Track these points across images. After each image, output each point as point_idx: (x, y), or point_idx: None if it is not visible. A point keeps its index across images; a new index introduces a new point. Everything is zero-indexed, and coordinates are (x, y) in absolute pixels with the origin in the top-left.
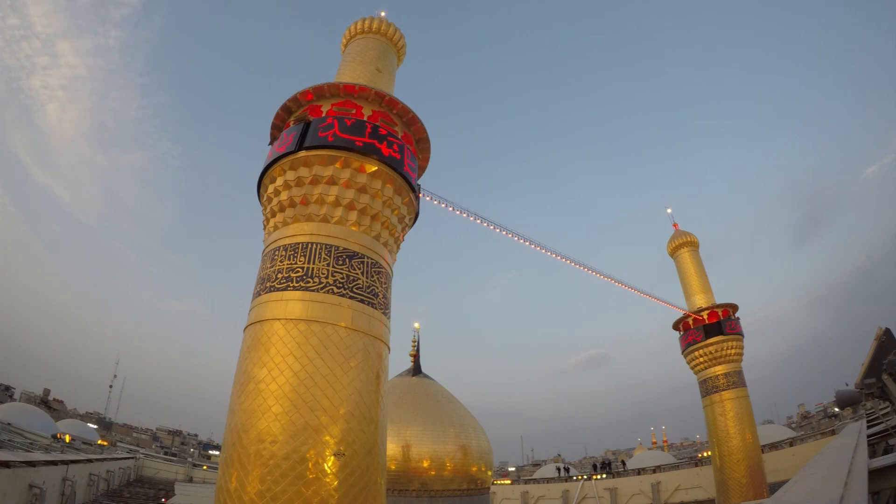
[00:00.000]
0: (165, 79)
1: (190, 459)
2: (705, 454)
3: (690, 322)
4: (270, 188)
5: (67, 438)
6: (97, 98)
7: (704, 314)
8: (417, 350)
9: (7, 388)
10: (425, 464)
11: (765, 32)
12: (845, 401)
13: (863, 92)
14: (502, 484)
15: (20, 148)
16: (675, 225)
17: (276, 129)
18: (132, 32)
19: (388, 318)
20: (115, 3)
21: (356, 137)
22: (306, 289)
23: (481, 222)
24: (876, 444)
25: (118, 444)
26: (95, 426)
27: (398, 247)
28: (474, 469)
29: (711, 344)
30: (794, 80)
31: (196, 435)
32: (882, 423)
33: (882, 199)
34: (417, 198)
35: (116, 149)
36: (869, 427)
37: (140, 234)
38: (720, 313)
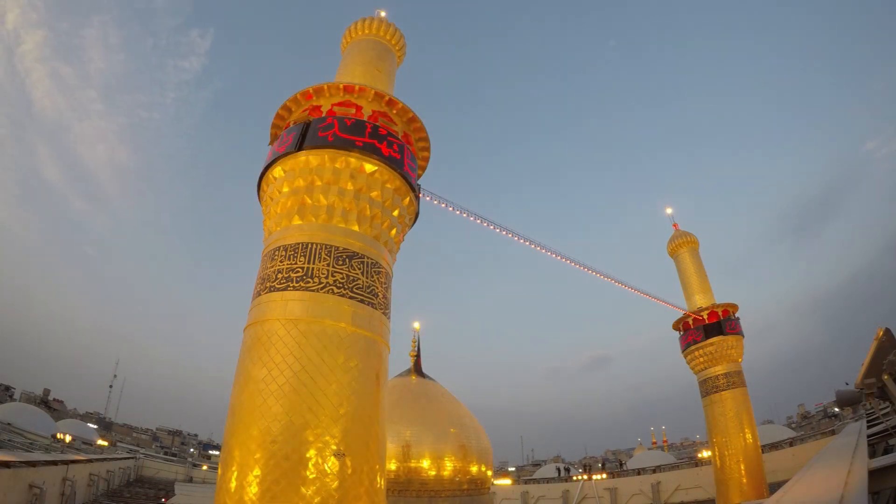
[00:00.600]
0: (220, 130)
1: (190, 459)
2: (705, 454)
3: (690, 322)
4: (270, 188)
5: (67, 438)
6: (149, 144)
7: (704, 314)
8: (418, 350)
9: (7, 388)
10: (425, 464)
11: (759, 45)
12: (845, 401)
13: (860, 106)
14: (502, 484)
15: (59, 179)
16: (675, 225)
17: (277, 128)
18: (191, 92)
19: (388, 318)
20: (175, 68)
21: (356, 137)
22: (306, 289)
23: (482, 222)
24: (876, 444)
25: (118, 444)
26: (95, 426)
27: (398, 247)
28: (474, 469)
29: (711, 344)
30: (795, 96)
31: (196, 435)
32: (882, 423)
33: (883, 193)
34: (417, 198)
35: (164, 185)
36: (869, 427)
37: (144, 239)
38: (720, 313)
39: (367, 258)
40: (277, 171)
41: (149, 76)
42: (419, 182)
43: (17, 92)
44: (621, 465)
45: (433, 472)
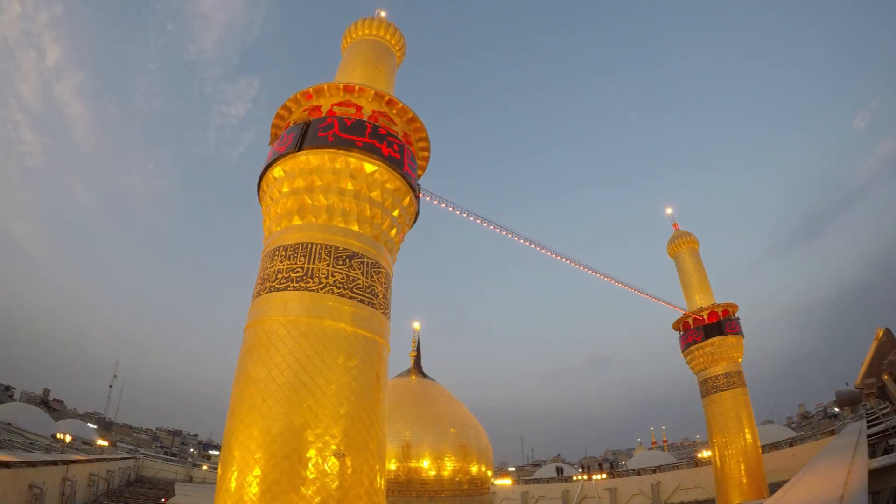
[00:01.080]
0: (254, 165)
1: (190, 459)
2: (705, 454)
3: (690, 322)
4: (270, 188)
5: (67, 438)
6: (188, 174)
7: (704, 314)
8: (418, 350)
9: (7, 388)
10: (425, 464)
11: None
12: (845, 401)
13: (857, 124)
14: (502, 484)
15: (87, 197)
16: (675, 225)
17: (277, 128)
18: (234, 134)
19: (388, 318)
20: (220, 114)
21: (356, 137)
22: (306, 289)
23: (481, 222)
24: (876, 444)
25: (118, 444)
26: (95, 426)
27: (398, 247)
28: (474, 469)
29: (711, 344)
30: (793, 111)
31: (196, 435)
32: (882, 423)
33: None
34: (417, 197)
35: (194, 205)
36: (869, 427)
37: (150, 244)
38: (720, 313)
39: (367, 258)
40: (277, 171)
41: (194, 119)
42: (419, 182)
43: (57, 123)
44: (612, 466)
45: (433, 472)
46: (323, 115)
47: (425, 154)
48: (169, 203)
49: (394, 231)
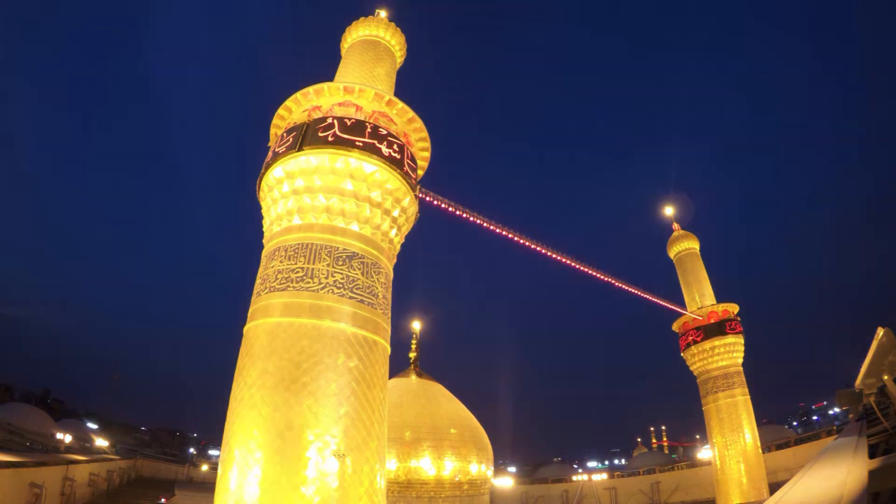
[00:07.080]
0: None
1: (190, 460)
2: (705, 454)
3: (690, 322)
4: (270, 188)
5: (67, 438)
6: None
7: (704, 314)
8: (418, 350)
9: (7, 388)
10: (425, 464)
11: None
12: (845, 401)
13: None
14: (502, 484)
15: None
16: (675, 226)
17: (277, 128)
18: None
19: (388, 318)
20: None
21: (356, 137)
22: (306, 289)
23: (481, 222)
24: (876, 445)
25: (118, 444)
26: (95, 426)
27: (398, 247)
28: (474, 469)
29: (711, 344)
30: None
31: (196, 435)
32: (882, 423)
33: None
34: (417, 198)
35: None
36: (869, 427)
37: (152, 242)
38: (720, 313)
39: (367, 258)
40: (277, 170)
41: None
42: (419, 182)
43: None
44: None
45: (433, 472)
46: (323, 115)
47: (425, 154)
48: (167, 202)
49: (393, 231)
